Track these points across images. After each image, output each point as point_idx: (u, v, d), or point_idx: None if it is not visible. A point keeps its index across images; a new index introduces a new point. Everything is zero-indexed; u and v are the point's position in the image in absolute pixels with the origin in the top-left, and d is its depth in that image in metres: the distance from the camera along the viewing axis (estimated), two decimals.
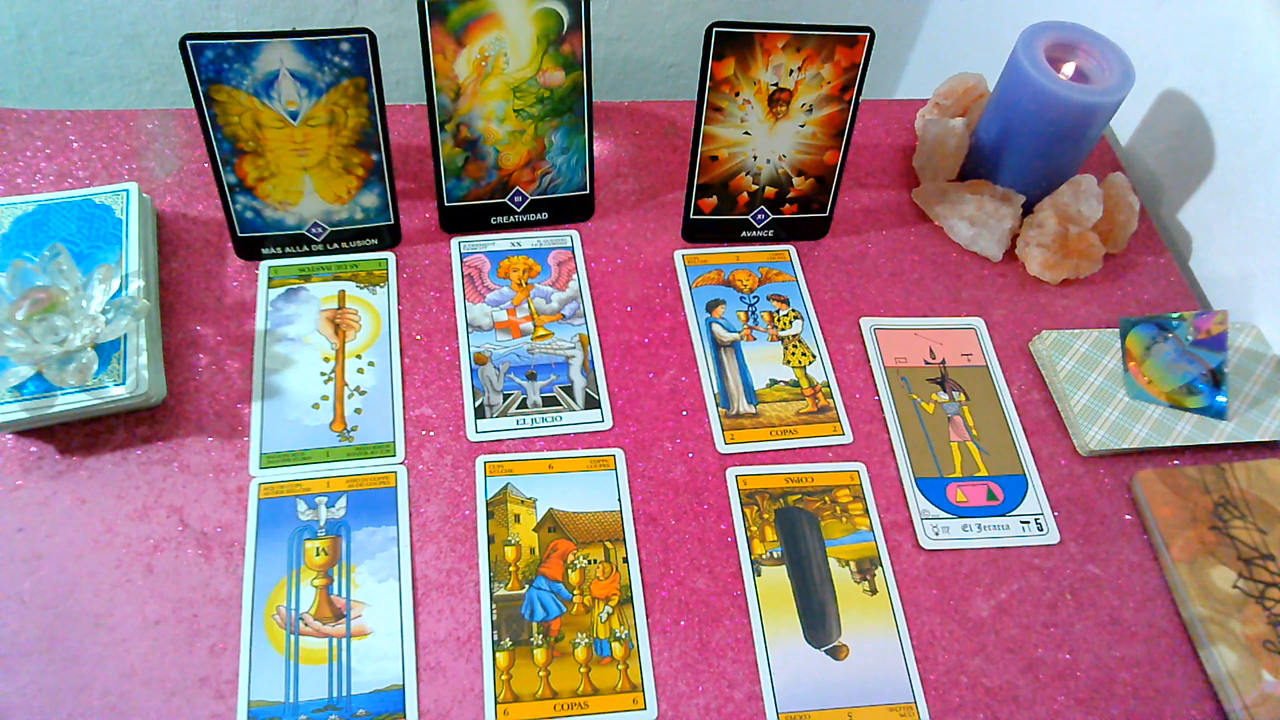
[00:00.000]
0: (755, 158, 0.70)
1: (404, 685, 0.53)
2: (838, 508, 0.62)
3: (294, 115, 0.62)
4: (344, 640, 0.54)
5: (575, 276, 0.70)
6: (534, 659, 0.54)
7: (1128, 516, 0.63)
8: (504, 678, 0.54)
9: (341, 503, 0.58)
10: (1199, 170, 0.77)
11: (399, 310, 0.67)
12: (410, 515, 0.59)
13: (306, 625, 0.54)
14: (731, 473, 0.62)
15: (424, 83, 0.64)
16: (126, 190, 0.65)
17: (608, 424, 0.64)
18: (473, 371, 0.65)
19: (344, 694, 0.52)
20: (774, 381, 0.67)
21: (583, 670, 0.55)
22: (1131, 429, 0.65)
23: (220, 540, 0.57)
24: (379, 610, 0.55)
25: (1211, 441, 0.66)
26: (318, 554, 0.56)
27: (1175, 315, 0.68)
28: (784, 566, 0.59)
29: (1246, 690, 0.56)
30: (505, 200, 0.71)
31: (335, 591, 0.55)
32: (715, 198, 0.71)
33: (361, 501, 0.58)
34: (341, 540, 0.57)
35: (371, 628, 0.54)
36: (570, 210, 0.73)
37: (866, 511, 0.62)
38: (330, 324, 0.66)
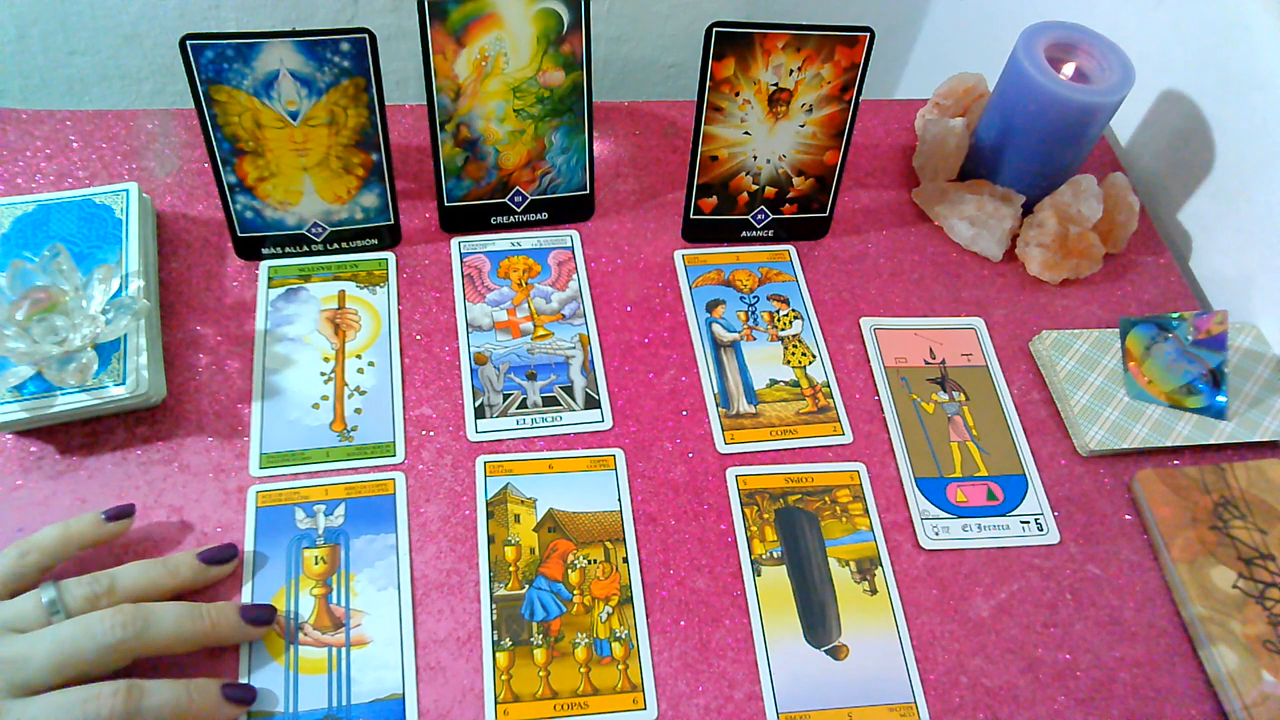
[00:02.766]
0: (755, 158, 0.70)
1: (404, 694, 0.53)
2: (838, 508, 0.62)
3: (294, 115, 0.62)
4: (343, 650, 0.54)
5: (575, 276, 0.70)
6: (534, 659, 0.54)
7: (1128, 516, 0.63)
8: (504, 678, 0.54)
9: (340, 511, 0.58)
10: (1199, 170, 0.77)
11: (399, 310, 0.67)
12: (409, 521, 0.58)
13: (306, 634, 0.54)
14: (731, 473, 0.62)
15: (424, 83, 0.64)
16: (126, 190, 0.65)
17: (608, 424, 0.64)
18: (473, 371, 0.65)
19: (343, 704, 0.52)
20: (774, 381, 0.67)
21: (583, 670, 0.54)
22: (1131, 429, 0.65)
23: (220, 542, 0.56)
24: (378, 619, 0.55)
25: (1211, 441, 0.66)
26: (316, 562, 0.56)
27: (1175, 315, 0.68)
28: (784, 566, 0.59)
29: (1246, 690, 0.56)
30: (505, 200, 0.71)
31: (334, 600, 0.55)
32: (715, 198, 0.71)
33: (360, 509, 0.58)
34: (340, 548, 0.57)
35: (371, 637, 0.54)
36: (570, 210, 0.73)
37: (866, 511, 0.62)
38: (330, 324, 0.66)
